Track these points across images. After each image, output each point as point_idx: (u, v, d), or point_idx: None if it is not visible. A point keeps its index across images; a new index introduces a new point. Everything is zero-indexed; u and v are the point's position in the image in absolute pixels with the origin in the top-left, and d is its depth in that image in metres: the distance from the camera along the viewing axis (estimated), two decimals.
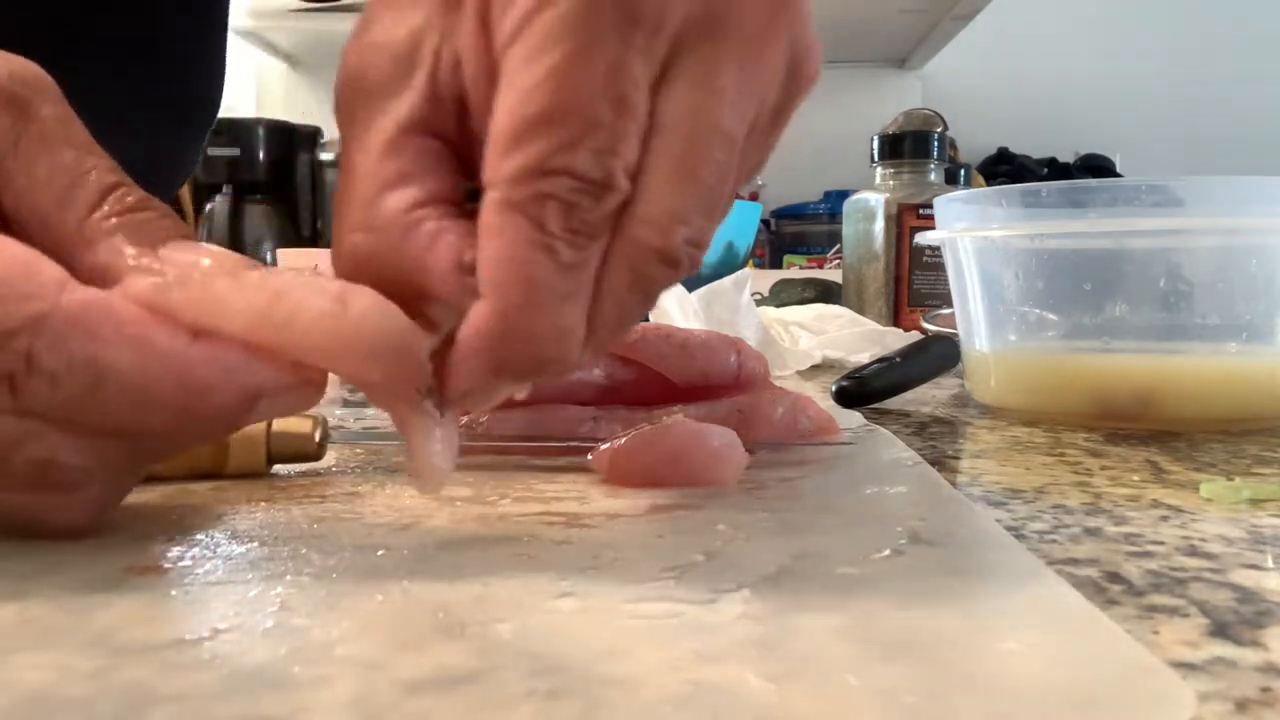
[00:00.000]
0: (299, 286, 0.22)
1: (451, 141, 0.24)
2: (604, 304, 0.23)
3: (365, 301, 0.22)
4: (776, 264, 1.93)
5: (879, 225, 0.92)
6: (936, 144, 0.93)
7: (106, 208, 0.24)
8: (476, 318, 0.22)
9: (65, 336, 0.21)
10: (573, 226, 0.22)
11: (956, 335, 0.56)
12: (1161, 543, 0.26)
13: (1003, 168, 2.06)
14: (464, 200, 0.24)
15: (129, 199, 0.24)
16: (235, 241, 1.80)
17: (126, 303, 0.22)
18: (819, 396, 0.49)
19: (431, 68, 0.24)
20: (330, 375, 0.23)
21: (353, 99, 0.24)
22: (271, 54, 2.15)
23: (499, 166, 0.22)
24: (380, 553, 0.24)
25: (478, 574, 0.22)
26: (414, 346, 0.23)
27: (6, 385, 0.21)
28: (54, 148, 0.24)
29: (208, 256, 0.23)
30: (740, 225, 1.04)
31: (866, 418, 0.46)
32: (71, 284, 0.21)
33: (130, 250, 0.23)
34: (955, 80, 2.21)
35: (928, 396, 0.58)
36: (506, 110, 0.22)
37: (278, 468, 0.33)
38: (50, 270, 0.21)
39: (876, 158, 0.94)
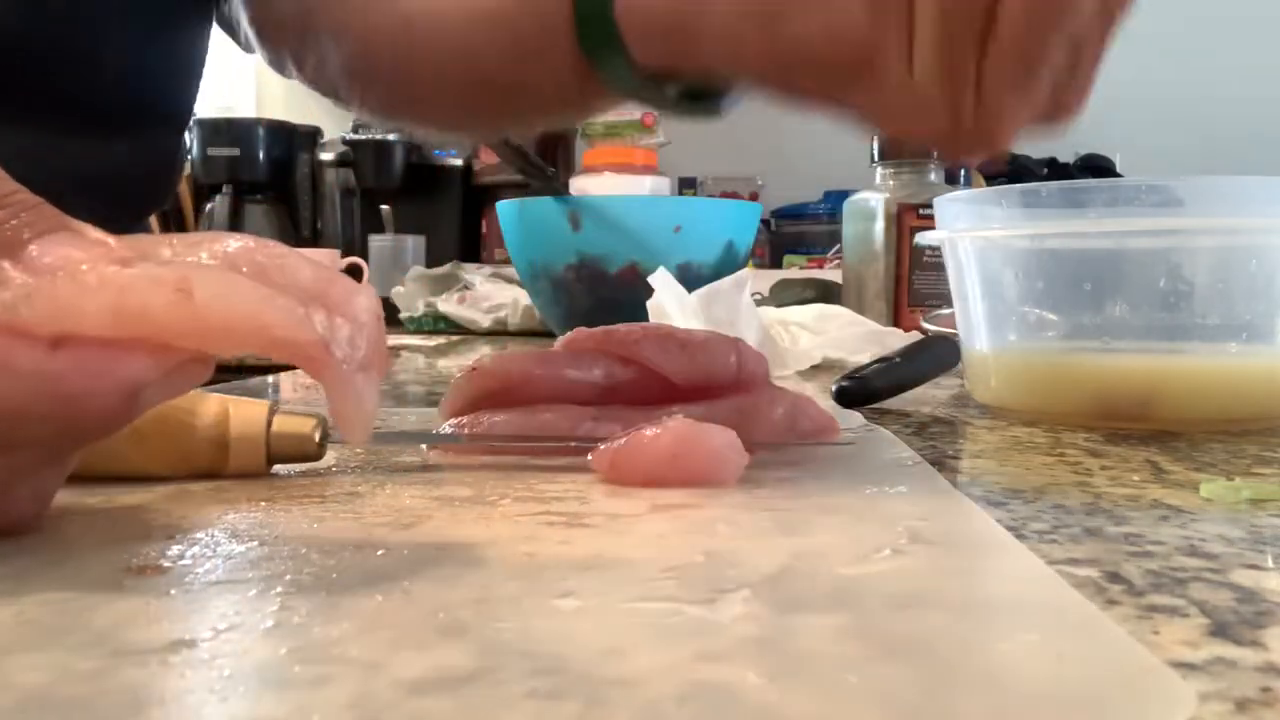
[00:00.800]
0: (140, 279, 0.21)
1: None
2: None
3: (208, 283, 0.21)
4: (776, 264, 1.93)
5: (879, 225, 0.92)
6: None
7: None
8: None
9: None
10: None
11: (956, 335, 0.56)
12: (1161, 543, 0.26)
13: (1003, 168, 2.06)
14: None
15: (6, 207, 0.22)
16: None
17: None
18: (819, 396, 0.49)
19: None
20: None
21: None
22: None
23: None
24: (380, 553, 0.24)
25: (478, 574, 0.22)
26: (280, 311, 0.22)
27: None
28: None
29: (69, 250, 0.22)
30: (740, 225, 1.04)
31: (866, 418, 0.46)
32: None
33: None
34: None
35: (928, 396, 0.58)
36: None
37: (278, 468, 0.33)
38: None
39: (876, 158, 0.94)
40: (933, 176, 0.93)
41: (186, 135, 0.76)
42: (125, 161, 0.66)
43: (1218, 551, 0.25)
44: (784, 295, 1.08)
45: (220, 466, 0.32)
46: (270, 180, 1.91)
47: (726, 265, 1.00)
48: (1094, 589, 0.22)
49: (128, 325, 0.21)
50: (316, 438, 0.33)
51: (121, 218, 0.57)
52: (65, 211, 0.23)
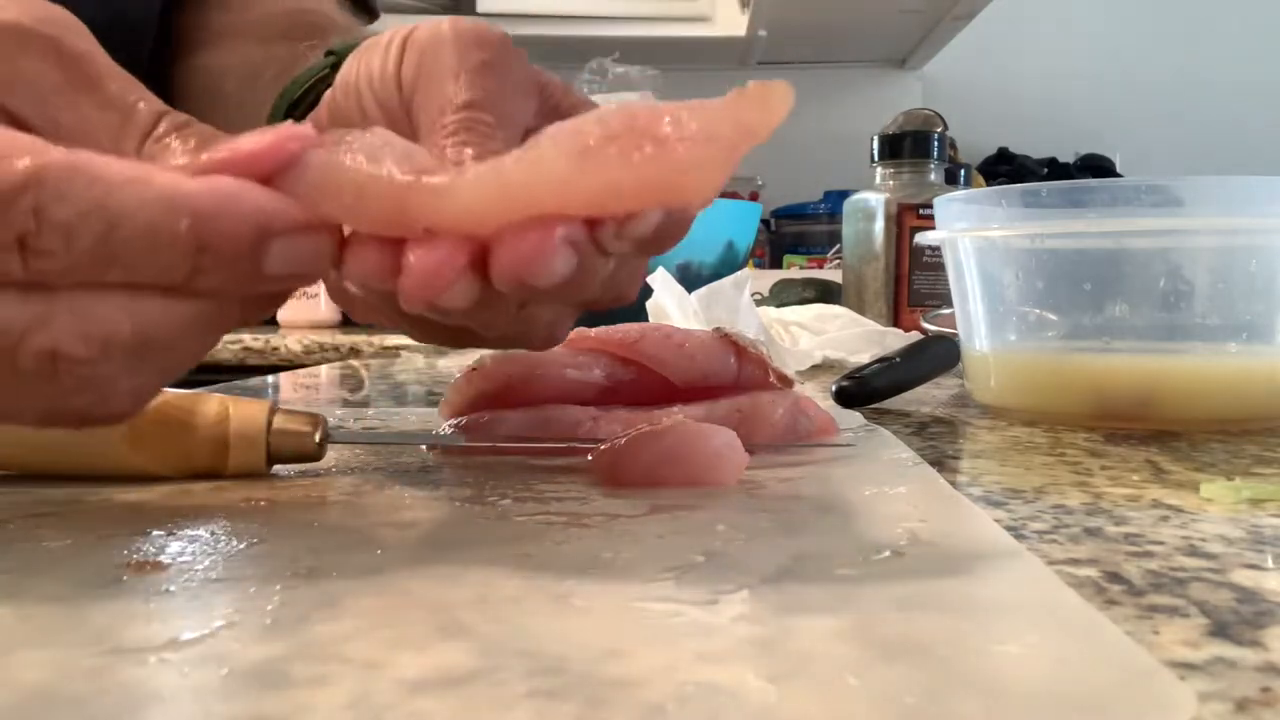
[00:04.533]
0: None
1: None
2: None
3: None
4: (776, 264, 1.93)
5: (879, 225, 0.92)
6: (936, 144, 0.93)
7: (161, 129, 0.24)
8: None
9: (69, 183, 0.21)
10: None
11: (956, 335, 0.56)
12: (1161, 543, 0.26)
13: (1003, 168, 2.06)
14: None
15: (179, 119, 0.25)
16: None
17: (112, 157, 0.22)
18: (819, 396, 0.49)
19: None
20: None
21: None
22: None
23: None
24: (380, 552, 0.24)
25: (478, 574, 0.22)
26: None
27: (17, 250, 0.21)
28: (96, 84, 0.24)
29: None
30: (740, 225, 1.04)
31: (866, 418, 0.46)
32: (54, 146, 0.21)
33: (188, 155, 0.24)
34: (955, 80, 2.21)
35: (928, 396, 0.58)
36: None
37: (278, 468, 0.33)
38: (30, 137, 0.21)
39: (876, 158, 0.94)
40: (933, 176, 0.93)
41: None
42: None
43: (1218, 551, 0.25)
44: (784, 295, 1.08)
45: (220, 466, 0.32)
46: None
47: (726, 265, 1.00)
48: (1094, 589, 0.22)
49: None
50: (316, 438, 0.33)
51: None
52: None
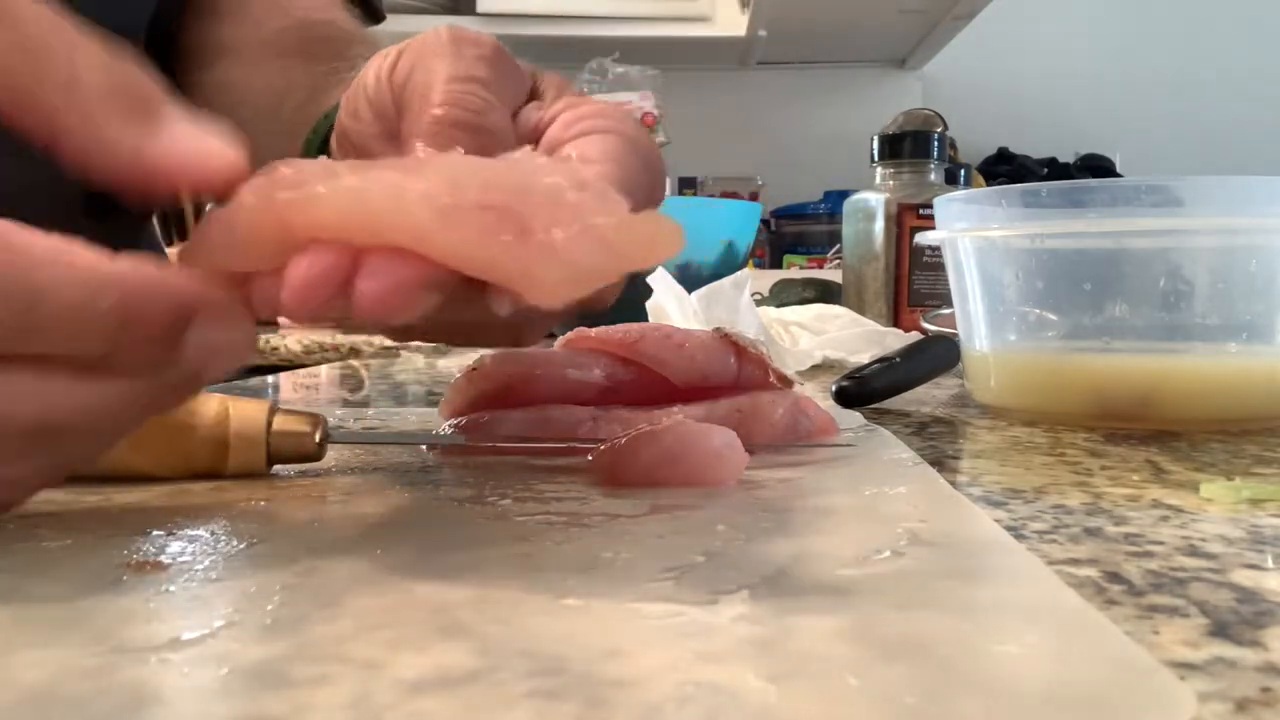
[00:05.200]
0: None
1: None
2: None
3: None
4: (776, 264, 1.93)
5: (879, 225, 0.92)
6: (936, 144, 0.93)
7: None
8: None
9: None
10: None
11: (956, 335, 0.56)
12: (1161, 543, 0.26)
13: (1003, 168, 2.06)
14: None
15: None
16: None
17: (37, 232, 0.21)
18: (819, 396, 0.49)
19: None
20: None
21: None
22: None
23: None
24: (380, 552, 0.24)
25: (478, 574, 0.22)
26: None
27: None
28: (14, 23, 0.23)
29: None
30: (740, 225, 1.04)
31: (866, 418, 0.46)
32: None
33: None
34: (955, 80, 2.21)
35: (928, 396, 0.58)
36: None
37: (278, 468, 0.33)
38: None
39: (876, 158, 0.94)
40: (933, 176, 0.93)
41: None
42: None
43: (1218, 551, 0.25)
44: (784, 295, 1.08)
45: (220, 466, 0.32)
46: None
47: (726, 265, 1.00)
48: (1094, 589, 0.22)
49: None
50: (316, 438, 0.33)
51: (121, 231, 0.57)
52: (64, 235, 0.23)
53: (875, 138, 0.95)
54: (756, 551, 0.24)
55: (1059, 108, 2.21)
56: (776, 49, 2.05)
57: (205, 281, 0.22)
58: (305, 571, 0.22)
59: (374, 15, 0.59)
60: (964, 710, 0.15)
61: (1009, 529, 0.27)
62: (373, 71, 0.32)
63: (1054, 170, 2.07)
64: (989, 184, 1.69)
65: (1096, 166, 2.06)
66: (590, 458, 0.32)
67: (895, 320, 0.91)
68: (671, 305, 0.70)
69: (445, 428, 0.37)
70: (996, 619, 0.20)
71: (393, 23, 0.66)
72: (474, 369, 0.37)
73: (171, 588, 0.21)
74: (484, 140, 0.29)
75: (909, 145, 0.93)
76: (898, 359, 0.55)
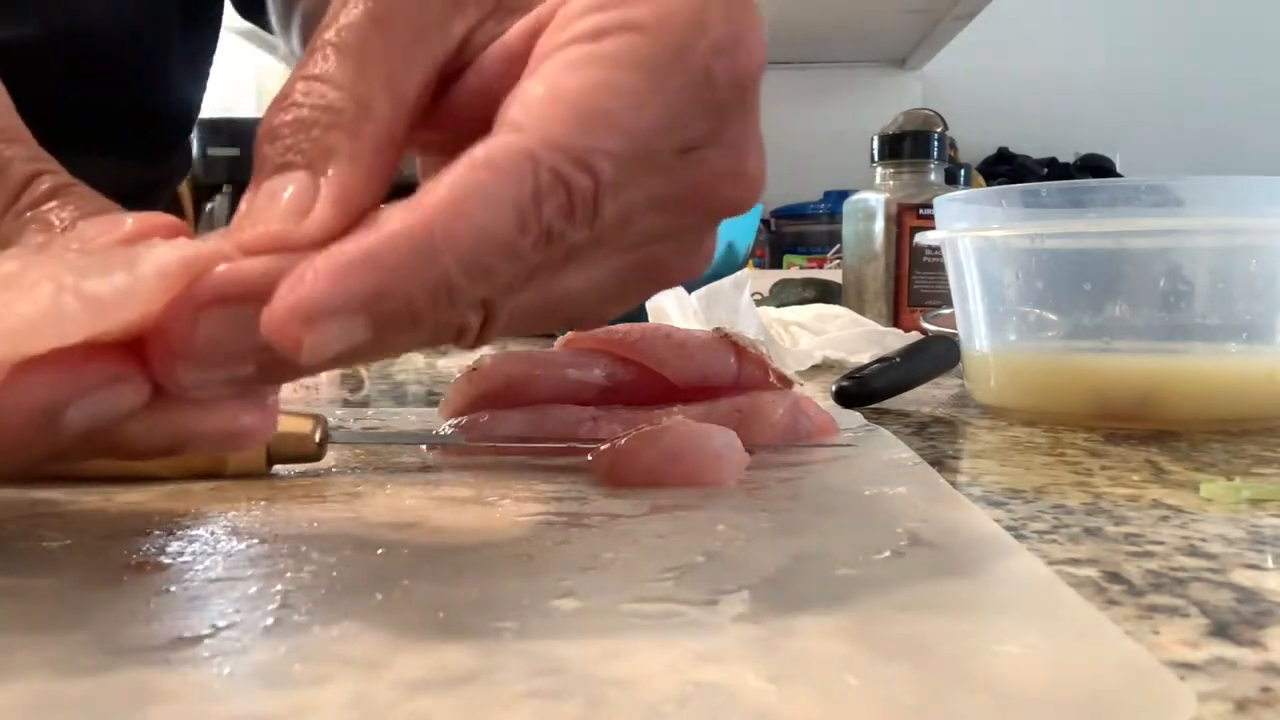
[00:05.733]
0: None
1: None
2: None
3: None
4: (776, 264, 1.93)
5: (879, 225, 0.92)
6: (936, 144, 0.93)
7: (21, 202, 0.21)
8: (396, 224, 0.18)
9: None
10: (551, 219, 0.20)
11: (956, 335, 0.56)
12: (1161, 543, 0.26)
13: (1003, 168, 2.06)
14: None
15: (42, 188, 0.21)
16: None
17: None
18: (819, 396, 0.49)
19: None
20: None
21: None
22: (271, 54, 2.14)
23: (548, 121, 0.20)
24: (380, 552, 0.24)
25: (478, 574, 0.22)
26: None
27: None
28: None
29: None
30: (740, 225, 1.04)
31: (866, 418, 0.46)
32: None
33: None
34: (955, 80, 2.21)
35: (928, 396, 0.57)
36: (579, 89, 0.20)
37: (278, 468, 0.33)
38: None
39: (876, 158, 0.94)
40: (933, 176, 0.93)
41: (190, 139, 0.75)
42: (132, 173, 0.65)
43: (1218, 551, 0.25)
44: (784, 295, 1.08)
45: (220, 466, 0.32)
46: None
47: (726, 265, 1.00)
48: (1094, 589, 0.22)
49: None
50: (316, 438, 0.33)
51: None
52: None
53: (875, 138, 0.95)
54: (756, 551, 0.24)
55: (1059, 108, 2.21)
56: (776, 49, 2.05)
57: (86, 363, 0.19)
58: (305, 571, 0.22)
59: None
60: (964, 710, 0.15)
61: (1009, 529, 0.27)
62: None
63: (1054, 170, 2.08)
64: (989, 184, 1.69)
65: (1096, 166, 2.06)
66: (590, 458, 0.32)
67: (895, 320, 0.91)
68: (671, 305, 0.70)
69: (445, 428, 0.37)
70: (996, 619, 0.20)
71: None
72: (474, 369, 0.37)
73: (171, 588, 0.21)
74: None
75: (909, 145, 0.93)
76: (898, 359, 0.55)
